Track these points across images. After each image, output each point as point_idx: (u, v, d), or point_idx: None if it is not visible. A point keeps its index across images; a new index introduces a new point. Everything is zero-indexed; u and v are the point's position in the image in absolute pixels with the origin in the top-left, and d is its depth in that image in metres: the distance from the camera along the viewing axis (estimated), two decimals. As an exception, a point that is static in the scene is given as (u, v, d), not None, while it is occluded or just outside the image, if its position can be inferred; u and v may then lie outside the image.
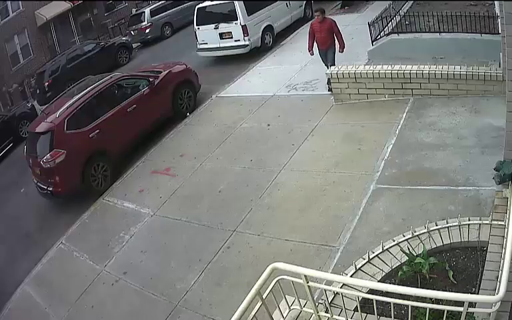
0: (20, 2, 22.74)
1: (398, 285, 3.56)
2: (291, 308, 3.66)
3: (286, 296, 3.61)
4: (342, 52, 8.53)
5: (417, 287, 3.61)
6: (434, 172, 5.49)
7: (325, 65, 8.65)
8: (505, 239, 3.55)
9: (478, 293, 3.48)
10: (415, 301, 2.91)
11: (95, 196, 7.91)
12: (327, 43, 8.50)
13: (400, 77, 7.24)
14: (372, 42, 8.99)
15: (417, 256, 3.88)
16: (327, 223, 5.29)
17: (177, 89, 9.80)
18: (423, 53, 8.10)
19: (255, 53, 12.16)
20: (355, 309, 3.55)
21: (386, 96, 7.49)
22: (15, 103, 20.17)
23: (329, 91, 8.36)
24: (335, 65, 8.35)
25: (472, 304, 2.81)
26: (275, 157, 7.02)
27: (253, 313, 3.27)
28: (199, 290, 5.07)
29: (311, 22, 9.00)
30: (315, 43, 8.69)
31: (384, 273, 4.05)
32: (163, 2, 21.18)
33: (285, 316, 3.62)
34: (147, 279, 5.53)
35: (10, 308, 6.10)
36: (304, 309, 3.60)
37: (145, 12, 20.53)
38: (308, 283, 3.28)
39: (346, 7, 13.93)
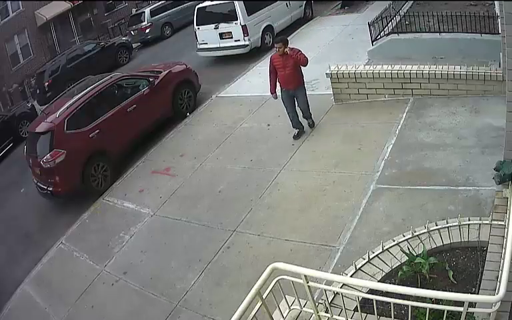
0: (20, 2, 22.75)
1: (398, 284, 3.56)
2: (291, 308, 3.66)
3: (286, 296, 3.61)
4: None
5: (417, 287, 3.61)
6: (434, 172, 5.49)
7: (288, 112, 7.15)
8: (504, 239, 3.54)
9: (478, 293, 3.48)
10: (415, 301, 2.91)
11: (95, 196, 7.91)
12: (294, 81, 6.87)
13: (400, 76, 7.23)
14: (372, 42, 8.99)
15: (417, 256, 3.88)
16: (326, 223, 5.29)
17: (177, 89, 9.80)
18: (423, 53, 8.10)
19: (254, 53, 12.14)
20: (355, 309, 3.56)
21: (386, 96, 7.49)
22: (15, 102, 20.18)
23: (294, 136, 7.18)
24: (308, 107, 7.15)
25: (472, 304, 2.81)
26: (275, 157, 7.01)
27: (253, 312, 3.27)
28: (198, 290, 5.07)
29: (270, 56, 7.15)
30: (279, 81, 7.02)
31: (384, 273, 4.05)
32: (163, 2, 21.16)
33: (284, 316, 3.62)
34: (147, 279, 5.53)
35: (10, 308, 6.10)
36: (304, 309, 3.61)
37: (145, 12, 20.52)
38: (308, 282, 3.28)
39: (346, 7, 13.94)
